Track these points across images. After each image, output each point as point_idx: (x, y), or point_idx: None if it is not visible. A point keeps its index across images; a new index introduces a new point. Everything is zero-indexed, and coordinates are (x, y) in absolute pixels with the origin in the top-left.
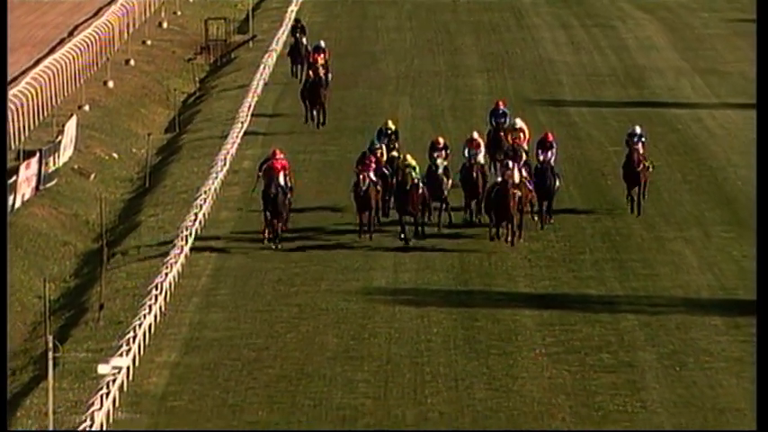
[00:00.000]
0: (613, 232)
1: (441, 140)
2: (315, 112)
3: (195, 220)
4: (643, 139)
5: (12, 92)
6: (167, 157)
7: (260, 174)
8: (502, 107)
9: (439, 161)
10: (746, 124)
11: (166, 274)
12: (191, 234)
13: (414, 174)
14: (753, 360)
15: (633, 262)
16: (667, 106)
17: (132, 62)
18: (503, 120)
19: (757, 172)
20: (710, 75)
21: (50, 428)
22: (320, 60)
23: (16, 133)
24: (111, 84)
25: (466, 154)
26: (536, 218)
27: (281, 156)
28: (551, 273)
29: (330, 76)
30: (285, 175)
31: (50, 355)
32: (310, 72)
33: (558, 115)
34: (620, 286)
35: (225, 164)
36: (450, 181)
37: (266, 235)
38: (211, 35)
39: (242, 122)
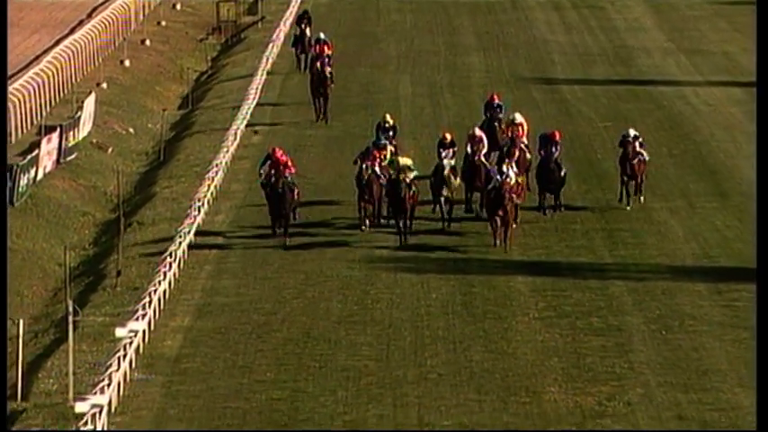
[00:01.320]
0: (603, 203)
1: (448, 137)
2: (319, 105)
3: (207, 191)
4: (640, 140)
5: (34, 70)
6: (181, 132)
7: (261, 172)
8: (497, 100)
9: (446, 162)
10: (729, 101)
11: (180, 243)
12: (203, 205)
13: (409, 175)
14: (734, 323)
15: (622, 231)
16: (654, 84)
17: (148, 42)
18: (497, 112)
19: (757, 172)
20: (695, 54)
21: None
22: (327, 51)
23: (38, 109)
24: (127, 62)
25: (468, 150)
26: (545, 212)
27: (281, 153)
28: (544, 242)
29: (331, 64)
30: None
31: (70, 319)
32: (317, 64)
33: (551, 92)
34: (609, 254)
35: (235, 138)
36: (458, 179)
37: (276, 228)
38: (222, 16)
39: (251, 99)
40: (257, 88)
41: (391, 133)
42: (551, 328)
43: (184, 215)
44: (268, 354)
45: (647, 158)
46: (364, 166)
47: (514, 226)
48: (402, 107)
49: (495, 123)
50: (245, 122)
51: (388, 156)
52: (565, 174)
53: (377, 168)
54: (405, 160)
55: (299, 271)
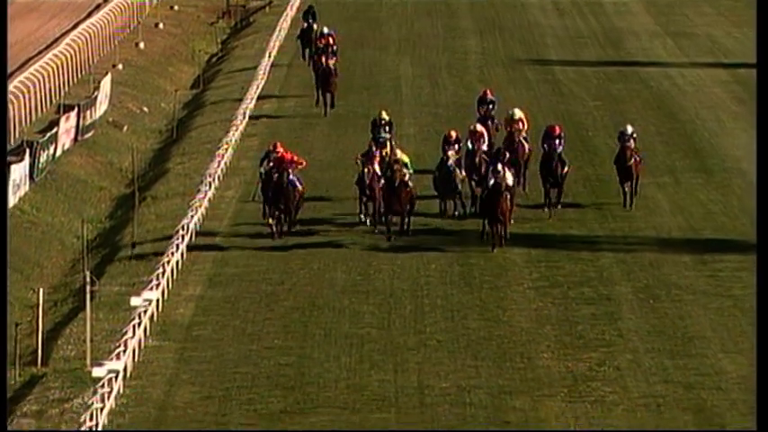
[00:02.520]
0: (594, 179)
1: (453, 134)
2: (326, 98)
3: (218, 167)
4: (635, 136)
5: (53, 52)
6: (192, 111)
7: (262, 171)
8: (489, 95)
9: (451, 152)
10: (713, 81)
11: (192, 216)
12: (214, 180)
13: (405, 171)
14: (718, 293)
15: (611, 206)
16: (642, 65)
17: (161, 25)
18: (490, 107)
19: (757, 171)
20: (681, 37)
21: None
22: (331, 42)
23: (57, 89)
24: (141, 45)
25: (469, 145)
26: (546, 210)
27: (282, 149)
28: (537, 215)
29: (336, 61)
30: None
31: (88, 288)
32: (323, 58)
33: (544, 73)
34: (600, 227)
35: (244, 117)
36: (463, 172)
37: (272, 226)
38: (232, 1)
39: (260, 80)
40: (265, 69)
41: (387, 129)
42: (545, 297)
43: (196, 190)
44: (275, 321)
45: (642, 157)
46: (366, 170)
47: (511, 222)
48: (403, 87)
49: (489, 121)
50: (253, 102)
51: (388, 151)
52: (568, 170)
53: (377, 168)
54: (401, 156)
55: (305, 243)
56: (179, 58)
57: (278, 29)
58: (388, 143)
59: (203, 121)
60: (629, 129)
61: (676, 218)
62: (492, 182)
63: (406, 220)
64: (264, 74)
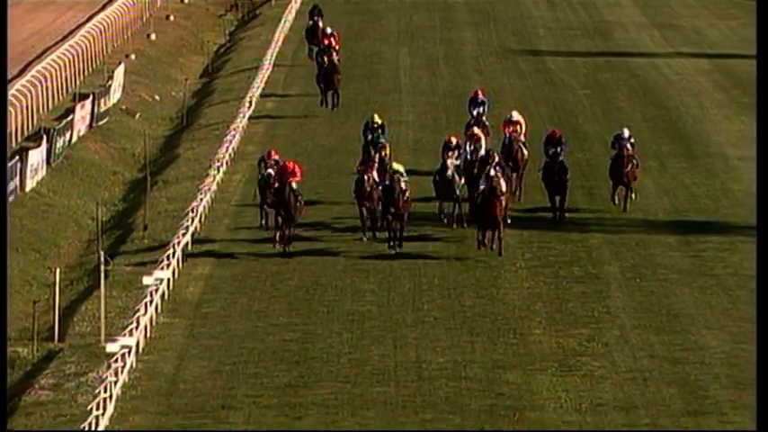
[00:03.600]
0: (583, 163)
1: (453, 140)
2: (328, 97)
3: (226, 152)
4: (632, 140)
5: (69, 43)
6: (202, 99)
7: (263, 173)
8: (480, 96)
9: (449, 162)
10: (696, 71)
11: (201, 199)
12: (222, 165)
13: (401, 180)
14: (701, 272)
15: (600, 189)
16: (629, 56)
17: (172, 18)
18: (481, 108)
19: (757, 170)
20: (666, 28)
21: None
22: (333, 42)
23: (73, 78)
24: (153, 36)
25: (467, 148)
26: (555, 214)
27: (277, 156)
28: (529, 198)
29: (339, 59)
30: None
31: (102, 268)
32: (325, 57)
33: (536, 63)
34: (589, 209)
35: (251, 105)
36: (463, 180)
37: (277, 239)
38: None
39: (265, 69)
40: (271, 59)
41: (380, 132)
42: (536, 276)
43: (205, 174)
44: (281, 299)
45: (639, 162)
46: (366, 177)
47: (504, 225)
48: (402, 76)
49: (482, 124)
50: (259, 90)
51: (388, 152)
52: (569, 178)
53: (375, 175)
54: (397, 166)
55: (309, 225)
56: (189, 48)
57: (283, 20)
58: (388, 147)
59: (211, 108)
60: (627, 132)
61: (662, 200)
62: (486, 186)
63: (403, 228)
64: (270, 64)
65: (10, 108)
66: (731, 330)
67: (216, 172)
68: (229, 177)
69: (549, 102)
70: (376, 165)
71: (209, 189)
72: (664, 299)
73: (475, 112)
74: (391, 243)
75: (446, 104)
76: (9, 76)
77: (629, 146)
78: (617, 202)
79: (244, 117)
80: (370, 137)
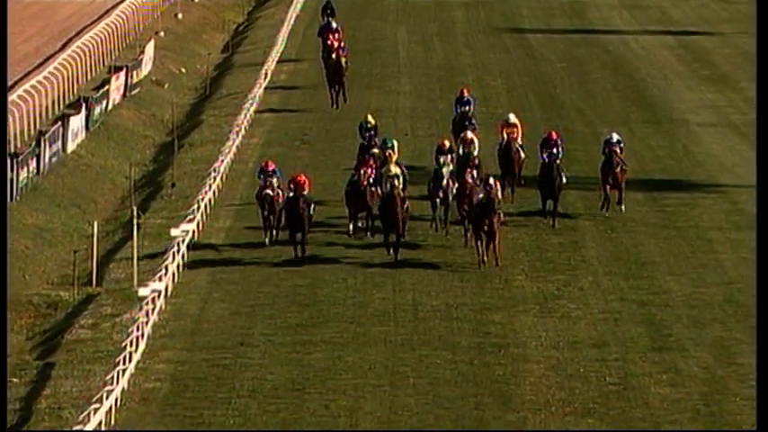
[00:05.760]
0: (561, 128)
1: (447, 143)
2: (335, 93)
3: (244, 118)
4: (621, 145)
5: (105, 21)
6: (223, 72)
7: (259, 176)
8: (466, 95)
9: (444, 170)
10: (661, 46)
11: (222, 160)
12: (241, 130)
13: (397, 183)
14: (665, 225)
15: (576, 151)
16: (602, 33)
17: None
18: (467, 108)
19: (757, 169)
20: (634, 9)
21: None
22: (335, 41)
23: (108, 53)
24: (180, 15)
25: (461, 152)
26: (546, 216)
27: (273, 166)
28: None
29: (346, 54)
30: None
31: (135, 221)
32: (332, 55)
33: (519, 39)
34: (567, 169)
35: (267, 77)
36: (457, 185)
37: (296, 251)
38: None
39: (279, 45)
40: (284, 36)
41: (373, 133)
42: (519, 228)
43: (226, 138)
44: (293, 249)
45: (626, 167)
46: (363, 171)
47: (500, 236)
48: (400, 51)
49: (467, 122)
50: (274, 63)
51: (394, 154)
52: (565, 181)
53: (371, 172)
54: (395, 169)
55: (318, 183)
56: (211, 26)
57: (295, 1)
58: (396, 150)
59: (231, 80)
60: (615, 136)
61: (630, 161)
62: (483, 196)
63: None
64: (283, 40)
65: (53, 78)
66: (691, 276)
67: (236, 136)
68: (248, 141)
69: (530, 74)
70: (373, 166)
71: (230, 151)
72: (632, 248)
73: (459, 110)
74: (390, 252)
75: (439, 76)
76: (53, 50)
77: (617, 150)
78: (607, 208)
79: (260, 87)
80: (367, 136)
